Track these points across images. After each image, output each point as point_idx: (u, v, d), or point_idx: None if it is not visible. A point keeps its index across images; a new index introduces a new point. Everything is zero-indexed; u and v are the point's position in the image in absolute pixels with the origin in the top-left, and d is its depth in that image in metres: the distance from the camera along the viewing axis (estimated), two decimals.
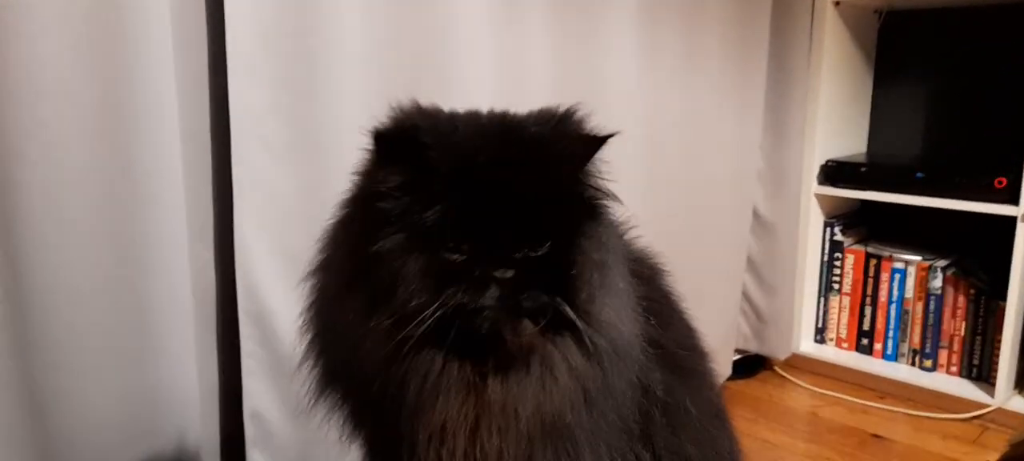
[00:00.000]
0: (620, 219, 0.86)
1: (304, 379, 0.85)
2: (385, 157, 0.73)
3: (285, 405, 1.25)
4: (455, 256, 0.70)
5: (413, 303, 0.70)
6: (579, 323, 0.73)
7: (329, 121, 1.21)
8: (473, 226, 0.70)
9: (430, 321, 0.69)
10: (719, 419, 0.98)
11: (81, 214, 1.01)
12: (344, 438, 0.87)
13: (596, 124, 0.78)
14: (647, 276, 0.92)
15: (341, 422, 0.86)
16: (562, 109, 0.78)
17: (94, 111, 0.99)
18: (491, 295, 0.70)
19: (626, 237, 0.91)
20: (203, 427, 1.21)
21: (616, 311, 0.77)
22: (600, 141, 0.75)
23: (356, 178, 0.79)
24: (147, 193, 1.05)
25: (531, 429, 0.74)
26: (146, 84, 1.02)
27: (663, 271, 0.98)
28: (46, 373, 1.02)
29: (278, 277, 1.21)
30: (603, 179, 0.77)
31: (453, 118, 0.77)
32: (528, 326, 0.73)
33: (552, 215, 0.72)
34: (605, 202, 0.78)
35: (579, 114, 0.78)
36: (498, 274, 0.70)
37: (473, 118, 0.78)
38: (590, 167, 0.75)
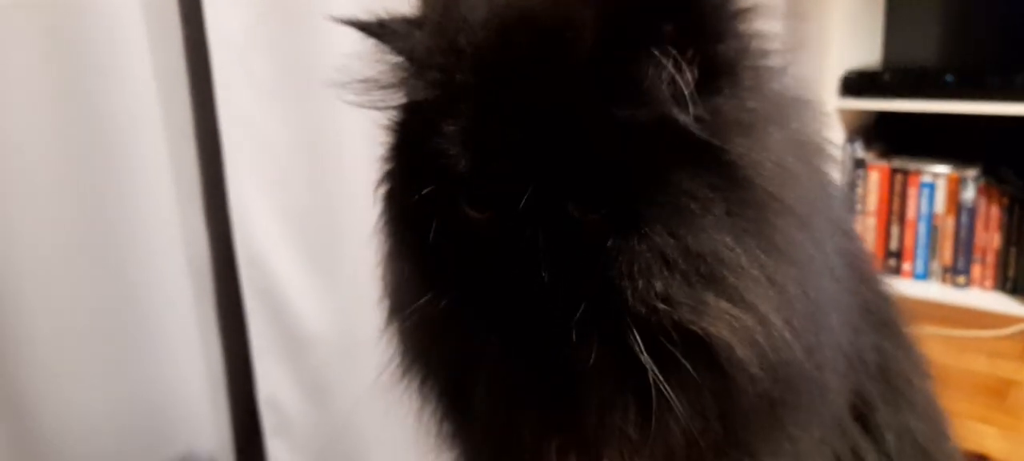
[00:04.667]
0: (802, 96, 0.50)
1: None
2: None
3: (305, 387, 1.07)
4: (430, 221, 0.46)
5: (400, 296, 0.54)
6: (649, 365, 0.42)
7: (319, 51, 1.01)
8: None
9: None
10: (930, 378, 0.69)
11: (42, 174, 0.82)
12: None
13: None
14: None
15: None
16: None
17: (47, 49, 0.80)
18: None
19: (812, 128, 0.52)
20: (213, 421, 1.03)
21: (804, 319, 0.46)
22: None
23: None
24: (121, 146, 0.86)
25: None
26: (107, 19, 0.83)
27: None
28: (18, 372, 0.84)
29: (283, 240, 1.03)
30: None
31: None
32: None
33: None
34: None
35: None
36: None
37: None
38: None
